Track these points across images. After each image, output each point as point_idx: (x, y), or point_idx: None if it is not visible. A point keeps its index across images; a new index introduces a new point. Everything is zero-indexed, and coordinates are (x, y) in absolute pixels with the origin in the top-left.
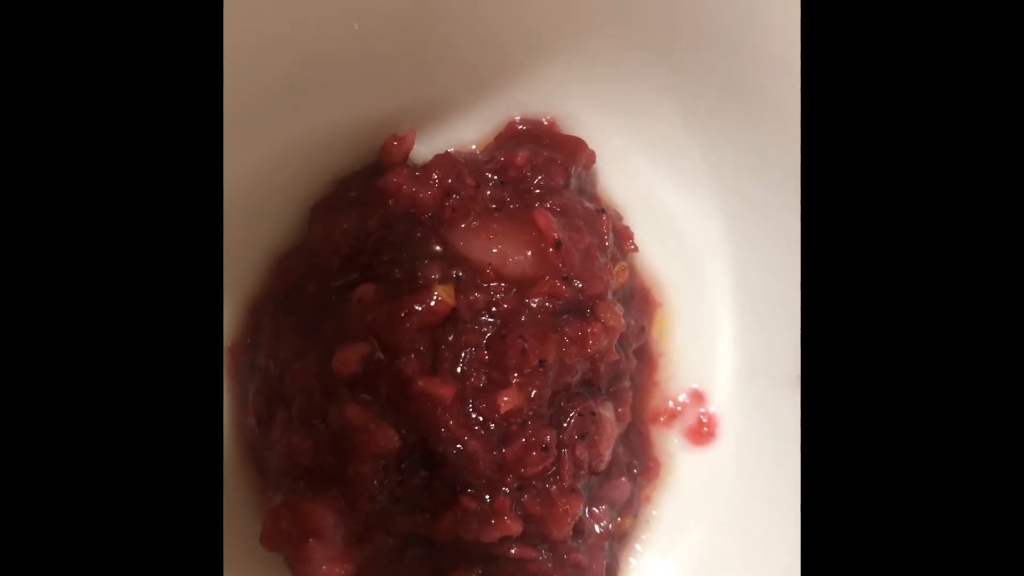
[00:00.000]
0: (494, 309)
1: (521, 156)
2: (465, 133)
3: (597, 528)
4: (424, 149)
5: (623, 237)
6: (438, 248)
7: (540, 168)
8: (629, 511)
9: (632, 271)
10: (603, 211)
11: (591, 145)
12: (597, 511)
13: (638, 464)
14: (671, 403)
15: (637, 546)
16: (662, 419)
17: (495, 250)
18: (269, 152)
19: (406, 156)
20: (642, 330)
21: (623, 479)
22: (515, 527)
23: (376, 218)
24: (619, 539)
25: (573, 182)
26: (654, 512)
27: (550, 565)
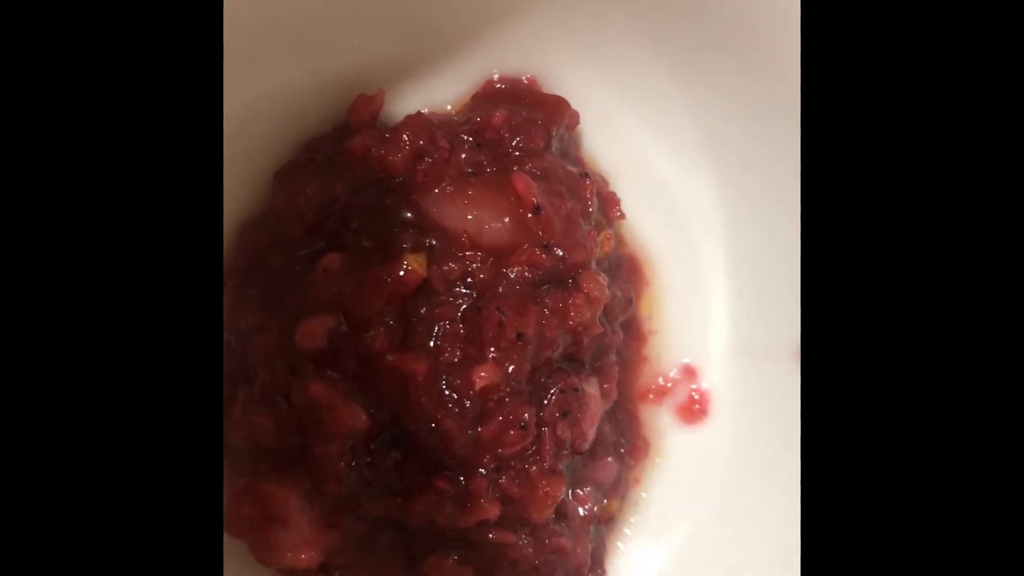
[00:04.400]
0: (469, 280)
1: (499, 116)
2: (439, 93)
3: (581, 511)
4: (395, 110)
5: (609, 204)
6: (409, 215)
7: (519, 129)
8: (616, 492)
9: (619, 240)
10: (587, 175)
11: (575, 105)
12: (581, 493)
13: (625, 444)
14: (661, 379)
15: (626, 530)
16: (651, 396)
17: (470, 216)
18: (229, 113)
19: (375, 117)
20: (629, 302)
21: (609, 459)
22: (493, 511)
23: (343, 183)
24: (606, 522)
25: (555, 144)
26: (643, 494)
27: (531, 550)
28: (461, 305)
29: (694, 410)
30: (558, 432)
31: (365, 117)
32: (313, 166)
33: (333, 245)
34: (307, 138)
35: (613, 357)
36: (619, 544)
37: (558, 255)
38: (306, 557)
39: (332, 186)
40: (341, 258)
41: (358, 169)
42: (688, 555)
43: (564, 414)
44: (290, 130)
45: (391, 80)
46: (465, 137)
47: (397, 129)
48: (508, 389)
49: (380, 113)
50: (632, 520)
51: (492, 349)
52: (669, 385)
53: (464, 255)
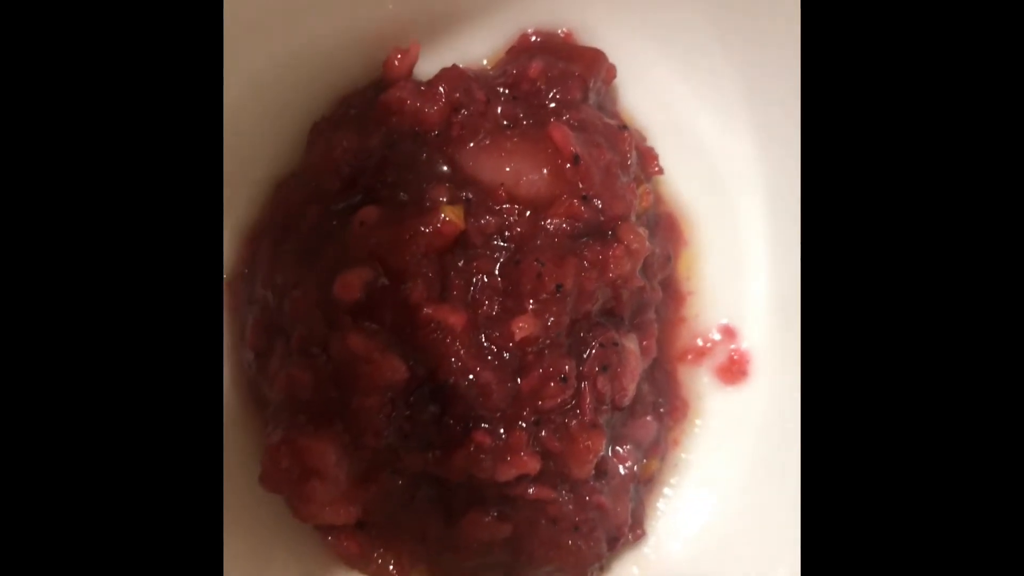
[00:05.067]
0: (507, 233)
1: (535, 68)
2: (474, 47)
3: (622, 469)
4: (430, 66)
5: (647, 158)
6: (445, 168)
7: (555, 81)
8: (656, 452)
9: (657, 198)
10: (625, 127)
11: (611, 58)
12: (621, 451)
13: (664, 404)
14: (700, 340)
15: (666, 490)
16: (690, 357)
17: (507, 169)
18: (264, 69)
19: (410, 70)
20: (668, 259)
21: (649, 418)
22: (532, 465)
23: (378, 137)
24: (645, 482)
25: (592, 97)
26: (683, 455)
27: (571, 507)
28: (499, 258)
29: (734, 371)
30: (599, 386)
31: (400, 70)
32: (348, 120)
33: (369, 198)
34: (342, 93)
35: (652, 314)
36: (659, 505)
37: (597, 207)
38: (343, 512)
39: (367, 140)
40: (378, 211)
41: (393, 122)
42: (729, 516)
43: (604, 368)
44: (325, 85)
45: (425, 36)
46: (501, 89)
47: (432, 82)
48: (548, 341)
49: (415, 67)
50: (672, 481)
51: (531, 301)
52: (708, 346)
53: (501, 208)
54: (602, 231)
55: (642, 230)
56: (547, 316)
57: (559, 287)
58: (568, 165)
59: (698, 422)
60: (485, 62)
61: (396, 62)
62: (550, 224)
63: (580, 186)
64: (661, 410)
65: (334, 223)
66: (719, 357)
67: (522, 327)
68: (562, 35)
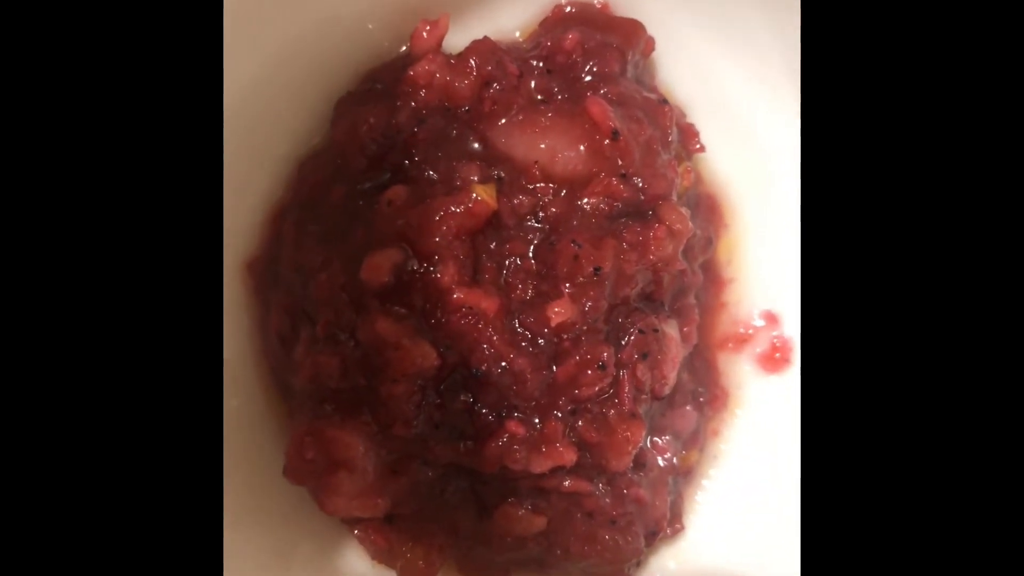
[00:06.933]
0: (541, 213)
1: (570, 39)
2: (506, 18)
3: (660, 461)
4: (460, 39)
5: (688, 135)
6: (477, 146)
7: (592, 53)
8: (695, 444)
9: (697, 176)
10: (666, 101)
11: (649, 30)
12: (660, 442)
13: (704, 393)
14: (741, 328)
15: (704, 482)
16: (731, 345)
17: (542, 146)
18: (286, 42)
19: (439, 44)
20: (709, 242)
21: (688, 408)
22: (569, 456)
23: (407, 113)
24: (684, 474)
25: (630, 70)
26: (722, 446)
27: (608, 500)
28: (533, 240)
29: (776, 359)
30: (638, 374)
31: (429, 43)
32: (374, 95)
33: (397, 177)
34: (368, 67)
35: (693, 299)
36: (697, 497)
37: (637, 185)
38: (372, 505)
39: (395, 115)
40: (407, 190)
41: (422, 98)
42: (769, 510)
43: (643, 356)
44: (350, 59)
45: (455, 6)
46: (535, 63)
47: (463, 55)
48: (585, 327)
49: (444, 40)
50: (711, 473)
51: (567, 285)
52: (750, 332)
53: (535, 187)
54: (642, 211)
55: (684, 210)
56: (584, 301)
57: (597, 270)
58: (607, 141)
59: (738, 411)
60: (518, 34)
61: (424, 35)
62: (587, 203)
63: (619, 163)
64: (701, 399)
65: (360, 203)
66: (761, 344)
67: (558, 312)
68: (599, 5)
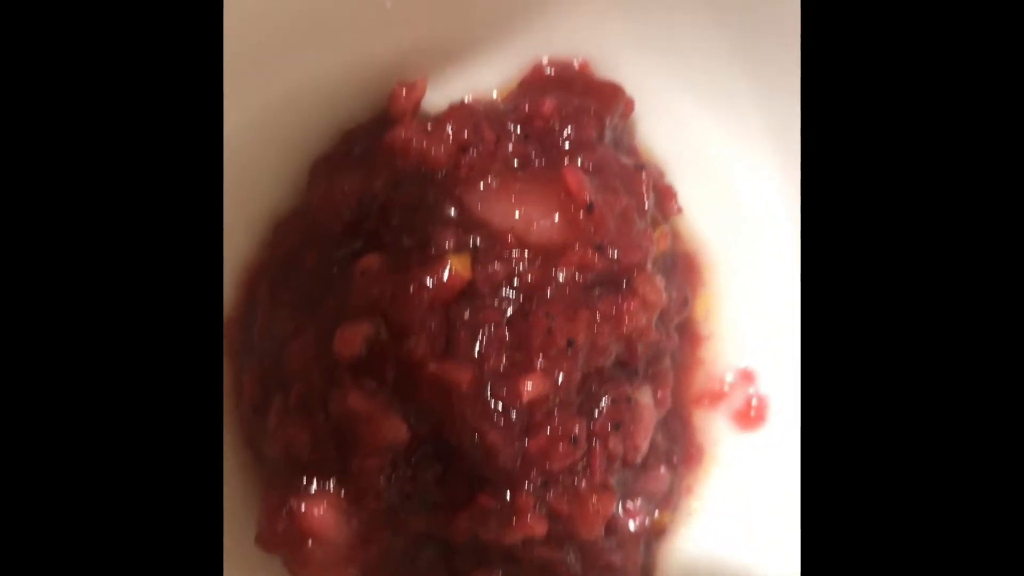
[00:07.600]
0: (516, 282)
1: (548, 104)
2: (484, 78)
3: (632, 525)
4: (438, 97)
5: (665, 197)
6: (453, 212)
7: (570, 118)
8: (668, 504)
9: (675, 235)
10: (642, 167)
11: (629, 91)
12: (632, 506)
13: (678, 451)
14: (716, 384)
15: (678, 541)
16: (706, 401)
17: (518, 214)
18: (264, 102)
19: (417, 106)
20: (685, 302)
21: (662, 469)
22: (539, 528)
23: (383, 178)
24: (657, 535)
25: (608, 134)
26: (696, 504)
27: (579, 568)
28: (507, 309)
29: (751, 416)
30: (609, 445)
31: (406, 106)
32: (351, 160)
33: (372, 245)
34: (344, 128)
35: (668, 363)
36: (670, 556)
37: (612, 256)
38: (344, 574)
39: (371, 181)
40: (380, 259)
41: (398, 163)
42: (744, 567)
43: (616, 426)
44: (326, 120)
45: (433, 64)
46: (512, 127)
47: (440, 120)
48: (557, 400)
49: (422, 102)
50: (683, 531)
51: (540, 357)
52: (725, 389)
53: (511, 255)
54: (616, 281)
55: (659, 279)
56: (557, 374)
57: (571, 343)
58: (582, 212)
59: (713, 468)
60: (495, 94)
61: (402, 97)
62: (562, 274)
63: (594, 233)
64: (675, 459)
65: (334, 270)
66: (736, 401)
67: (531, 386)
68: (578, 65)
